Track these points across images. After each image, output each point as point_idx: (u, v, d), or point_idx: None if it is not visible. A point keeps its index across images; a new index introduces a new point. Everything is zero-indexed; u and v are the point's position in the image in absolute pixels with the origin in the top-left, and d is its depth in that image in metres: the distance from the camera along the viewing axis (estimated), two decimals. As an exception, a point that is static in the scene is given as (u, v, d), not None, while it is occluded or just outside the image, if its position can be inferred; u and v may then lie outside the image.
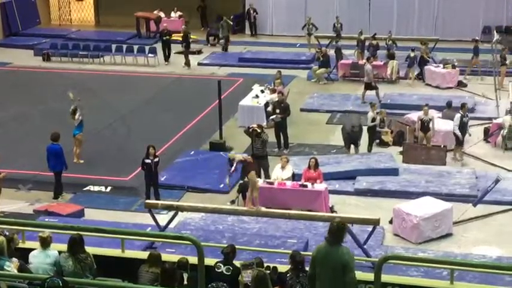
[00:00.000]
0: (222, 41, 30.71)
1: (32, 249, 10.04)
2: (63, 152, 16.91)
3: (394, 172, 17.04)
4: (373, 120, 18.98)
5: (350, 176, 17.21)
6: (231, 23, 30.38)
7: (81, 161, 18.44)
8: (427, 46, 25.82)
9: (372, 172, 17.16)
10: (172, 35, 28.58)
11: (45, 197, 16.88)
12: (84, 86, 25.29)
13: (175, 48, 28.73)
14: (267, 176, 16.72)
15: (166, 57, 28.33)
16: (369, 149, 18.91)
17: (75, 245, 9.40)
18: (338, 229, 7.91)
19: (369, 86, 22.86)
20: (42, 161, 18.55)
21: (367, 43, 26.62)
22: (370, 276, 10.41)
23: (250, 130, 17.20)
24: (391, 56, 25.31)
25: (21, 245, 11.07)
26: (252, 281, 7.88)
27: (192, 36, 29.27)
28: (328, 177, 16.53)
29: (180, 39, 28.12)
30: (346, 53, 26.85)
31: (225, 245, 11.09)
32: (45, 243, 9.78)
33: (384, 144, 19.52)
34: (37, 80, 26.51)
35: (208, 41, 31.35)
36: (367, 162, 17.67)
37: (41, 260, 9.64)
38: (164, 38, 28.23)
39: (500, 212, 15.84)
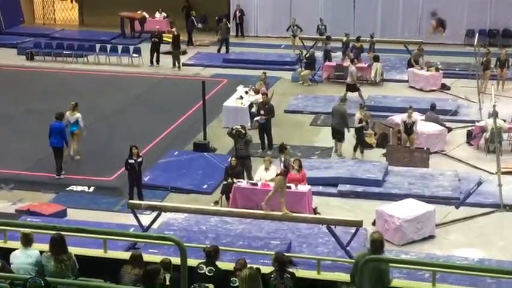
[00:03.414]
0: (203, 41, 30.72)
1: (14, 249, 9.97)
2: (65, 129, 17.65)
3: (376, 184, 16.98)
4: (360, 121, 18.99)
5: (332, 182, 17.18)
6: (229, 25, 30.44)
7: (78, 157, 18.70)
8: (420, 52, 25.80)
9: (353, 181, 17.13)
10: (162, 36, 28.56)
11: (28, 197, 16.79)
12: (67, 85, 25.23)
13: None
14: (250, 177, 16.73)
15: (157, 60, 28.14)
16: (355, 149, 18.94)
17: (57, 245, 9.34)
18: (377, 242, 9.16)
19: (351, 88, 22.88)
20: (24, 161, 18.51)
21: (350, 45, 26.67)
22: (352, 277, 10.42)
23: (234, 131, 17.20)
24: (375, 58, 25.38)
25: (2, 245, 11.01)
26: (246, 279, 7.87)
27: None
28: (310, 182, 16.46)
29: (170, 40, 28.05)
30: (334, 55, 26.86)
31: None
32: (26, 240, 9.70)
33: (367, 146, 19.55)
34: (20, 79, 26.33)
35: (190, 43, 31.08)
36: (355, 170, 17.59)
37: (22, 260, 9.57)
38: (154, 39, 28.02)
39: (483, 214, 15.91)
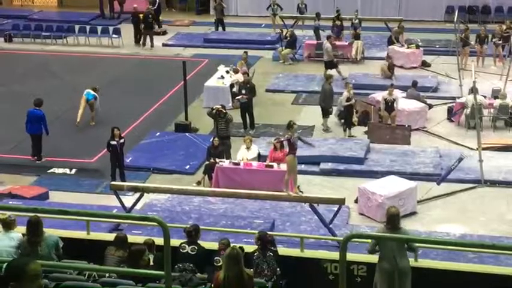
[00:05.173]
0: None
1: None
2: (45, 117, 17.36)
3: (358, 161, 17.02)
4: (348, 99, 19.01)
5: (314, 161, 17.20)
6: (225, 5, 30.25)
7: (93, 123, 19.71)
8: (400, 30, 25.79)
9: (335, 159, 17.17)
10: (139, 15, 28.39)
11: (8, 180, 16.70)
12: (47, 67, 25.05)
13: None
14: (229, 156, 16.72)
15: (139, 40, 27.99)
16: (344, 129, 19.00)
17: (34, 228, 9.29)
18: (395, 216, 9.56)
19: (328, 65, 22.74)
20: (4, 143, 18.41)
21: (329, 23, 26.58)
22: (335, 255, 10.52)
23: (214, 111, 17.17)
24: (356, 36, 25.37)
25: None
26: (225, 259, 7.90)
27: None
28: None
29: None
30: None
31: (191, 226, 11.08)
32: (5, 225, 9.66)
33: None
34: (-1, 61, 26.15)
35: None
36: (337, 148, 17.62)
37: (5, 243, 9.53)
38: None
39: (464, 190, 16.04)
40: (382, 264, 9.70)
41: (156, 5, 29.52)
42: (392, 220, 9.56)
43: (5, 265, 5.05)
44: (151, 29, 27.88)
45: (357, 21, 26.70)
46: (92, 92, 19.69)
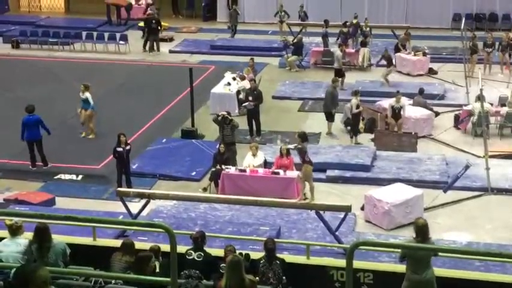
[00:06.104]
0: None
1: (3, 238, 9.93)
2: (42, 119, 17.53)
3: (364, 169, 16.99)
4: (358, 107, 19.01)
5: (320, 168, 17.15)
6: (239, 12, 30.28)
7: (91, 136, 19.42)
8: (407, 37, 25.83)
9: (342, 166, 17.14)
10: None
11: (15, 186, 16.72)
12: (54, 73, 25.11)
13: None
14: (235, 163, 16.72)
15: (151, 47, 28.06)
16: (351, 136, 18.98)
17: (41, 234, 9.29)
18: (424, 227, 9.46)
19: (337, 73, 22.70)
20: (10, 149, 18.42)
21: (337, 30, 26.59)
22: (342, 262, 10.50)
23: (220, 117, 17.18)
24: (363, 44, 25.36)
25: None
26: (226, 267, 7.90)
27: (163, 24, 29.20)
28: (299, 168, 16.44)
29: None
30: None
31: (197, 233, 11.06)
32: (12, 231, 9.66)
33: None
34: (6, 67, 26.19)
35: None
36: (344, 155, 17.59)
37: (11, 248, 9.52)
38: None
39: (470, 198, 16.00)
40: (409, 275, 9.66)
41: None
42: (422, 232, 9.47)
43: (12, 271, 5.05)
44: (156, 34, 27.92)
45: (368, 29, 26.73)
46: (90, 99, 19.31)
